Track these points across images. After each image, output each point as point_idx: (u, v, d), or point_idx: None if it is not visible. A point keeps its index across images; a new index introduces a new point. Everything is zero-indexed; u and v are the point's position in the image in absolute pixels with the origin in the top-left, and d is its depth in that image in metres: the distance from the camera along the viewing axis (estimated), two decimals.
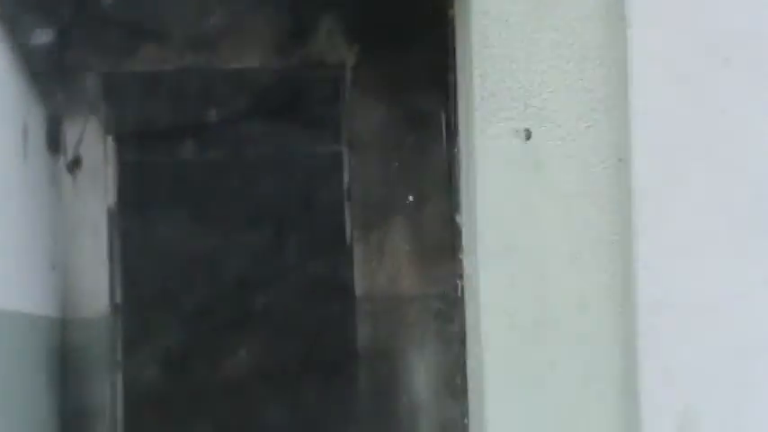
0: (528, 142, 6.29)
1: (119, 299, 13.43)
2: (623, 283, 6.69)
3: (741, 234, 6.72)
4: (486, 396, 6.55)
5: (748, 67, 6.51)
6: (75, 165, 13.07)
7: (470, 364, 7.45)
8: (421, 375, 13.35)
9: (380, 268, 13.44)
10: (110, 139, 13.36)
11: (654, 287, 6.61)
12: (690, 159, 6.67)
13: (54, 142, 12.84)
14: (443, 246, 12.93)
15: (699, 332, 6.70)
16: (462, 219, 6.91)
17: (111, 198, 13.37)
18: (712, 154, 6.66)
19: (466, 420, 7.21)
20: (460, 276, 6.94)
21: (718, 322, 6.70)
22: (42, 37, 12.15)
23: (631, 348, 6.67)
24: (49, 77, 12.59)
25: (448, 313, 12.92)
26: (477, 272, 6.48)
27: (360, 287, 13.51)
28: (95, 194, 13.23)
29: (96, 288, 13.14)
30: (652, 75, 6.57)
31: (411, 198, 13.38)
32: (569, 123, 6.33)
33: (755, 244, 6.73)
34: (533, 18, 6.47)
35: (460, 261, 7.10)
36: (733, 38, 6.59)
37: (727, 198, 6.69)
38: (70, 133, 13.11)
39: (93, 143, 13.22)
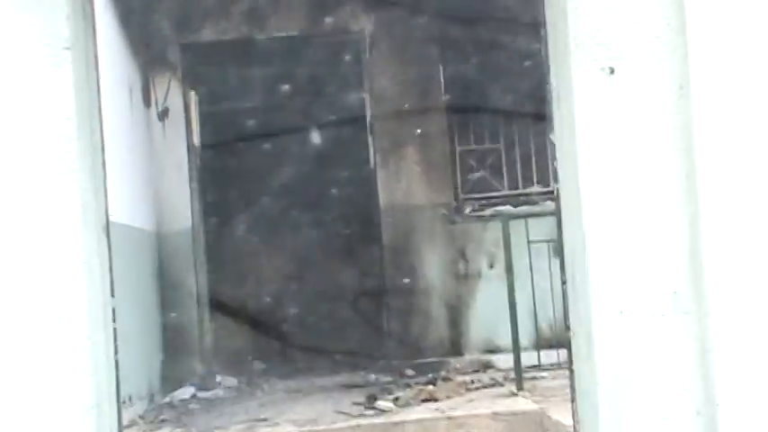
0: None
1: (198, 215, 13.82)
2: None
3: None
4: None
5: None
6: (164, 114, 13.43)
7: None
8: (431, 265, 13.71)
9: (397, 186, 13.81)
10: (192, 93, 13.73)
11: None
12: None
13: (147, 97, 13.19)
14: (443, 169, 13.75)
15: None
16: (555, 136, 6.41)
17: (194, 140, 13.76)
18: None
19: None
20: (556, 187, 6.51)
21: None
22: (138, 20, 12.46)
23: None
24: (144, 49, 13.00)
25: (449, 217, 13.64)
26: (578, 191, 6.06)
27: (382, 199, 13.87)
28: (179, 138, 13.59)
29: (181, 209, 13.55)
30: None
31: (420, 132, 13.67)
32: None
33: None
34: None
35: (555, 169, 6.49)
36: None
37: None
38: (159, 91, 13.41)
39: (175, 98, 13.55)
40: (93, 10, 6.40)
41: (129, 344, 7.68)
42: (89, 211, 6.10)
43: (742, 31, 5.97)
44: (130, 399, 8.81)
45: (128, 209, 10.78)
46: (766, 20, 5.95)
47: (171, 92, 13.58)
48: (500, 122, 13.53)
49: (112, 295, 6.38)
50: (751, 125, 5.92)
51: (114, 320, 6.37)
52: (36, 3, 5.94)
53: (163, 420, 10.60)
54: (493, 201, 13.27)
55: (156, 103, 13.43)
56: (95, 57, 6.43)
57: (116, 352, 6.37)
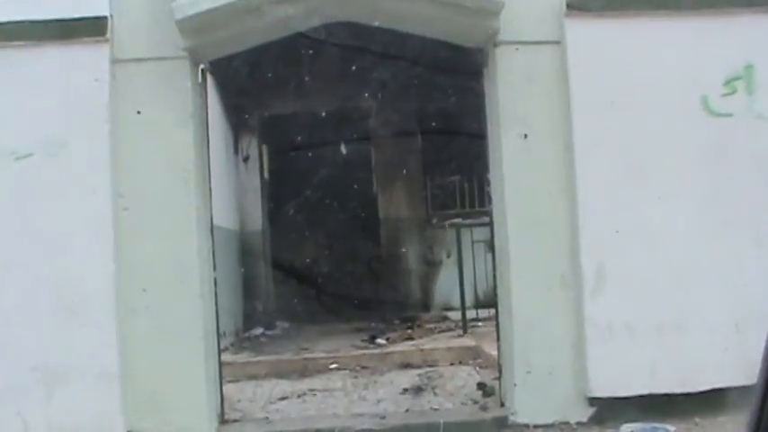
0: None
1: (266, 221, 13.74)
2: None
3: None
4: None
5: None
6: (246, 159, 13.35)
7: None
8: (412, 256, 13.62)
9: (391, 205, 13.76)
10: (264, 146, 13.75)
11: None
12: None
13: (236, 148, 13.14)
14: (419, 195, 13.67)
15: None
16: (491, 175, 6.50)
17: (265, 175, 13.76)
18: None
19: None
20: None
21: None
22: (232, 100, 12.37)
23: None
24: (235, 119, 12.92)
25: (422, 226, 13.53)
26: (504, 210, 6.20)
27: (381, 214, 13.85)
28: (255, 174, 13.53)
29: (255, 218, 13.48)
30: None
31: (405, 171, 13.54)
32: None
33: None
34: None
35: (490, 196, 6.53)
36: None
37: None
38: (243, 144, 13.37)
39: (253, 149, 13.51)
40: (206, 93, 6.57)
41: (224, 300, 7.71)
42: (201, 218, 6.24)
43: (607, 112, 6.19)
44: (224, 333, 8.82)
45: (224, 217, 10.60)
46: (618, 109, 6.15)
47: (251, 145, 13.51)
48: (455, 167, 13.30)
49: (214, 269, 6.47)
50: (611, 171, 6.17)
51: (216, 285, 6.46)
52: (172, 88, 6.08)
53: (244, 347, 10.64)
54: (450, 215, 12.96)
55: (242, 152, 13.34)
56: (207, 122, 6.57)
57: (216, 304, 6.46)
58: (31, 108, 5.87)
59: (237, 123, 13.16)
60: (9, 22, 5.92)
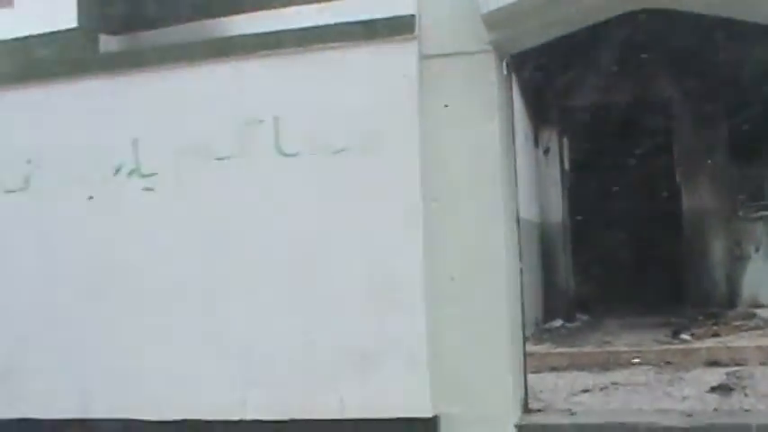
0: None
1: (566, 213, 13.68)
2: None
3: None
4: None
5: None
6: (546, 152, 13.36)
7: None
8: (717, 249, 13.11)
9: (694, 197, 13.26)
10: (564, 138, 13.69)
11: None
12: None
13: (536, 141, 13.16)
14: (725, 185, 13.08)
15: None
16: None
17: (565, 167, 13.71)
18: None
19: None
20: None
21: None
22: (532, 94, 12.39)
23: None
24: (535, 111, 12.94)
25: (729, 218, 12.96)
26: None
27: (685, 205, 13.39)
28: (555, 166, 13.55)
29: (556, 210, 13.49)
30: None
31: (710, 161, 12.99)
32: None
33: None
34: None
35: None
36: None
37: None
38: (543, 136, 13.41)
39: (553, 142, 13.53)
40: (511, 86, 6.57)
41: (525, 290, 7.71)
42: (508, 209, 6.25)
43: None
44: (525, 324, 8.84)
45: (526, 208, 10.62)
46: None
47: (551, 138, 13.53)
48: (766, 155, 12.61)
49: (520, 259, 6.47)
50: None
51: (521, 275, 6.46)
52: (478, 82, 6.10)
53: (544, 339, 10.65)
54: (760, 207, 12.41)
55: (542, 144, 13.40)
56: (512, 114, 6.59)
57: (522, 294, 6.47)
58: (345, 105, 6.11)
59: (537, 115, 13.15)
60: (324, 26, 6.20)
